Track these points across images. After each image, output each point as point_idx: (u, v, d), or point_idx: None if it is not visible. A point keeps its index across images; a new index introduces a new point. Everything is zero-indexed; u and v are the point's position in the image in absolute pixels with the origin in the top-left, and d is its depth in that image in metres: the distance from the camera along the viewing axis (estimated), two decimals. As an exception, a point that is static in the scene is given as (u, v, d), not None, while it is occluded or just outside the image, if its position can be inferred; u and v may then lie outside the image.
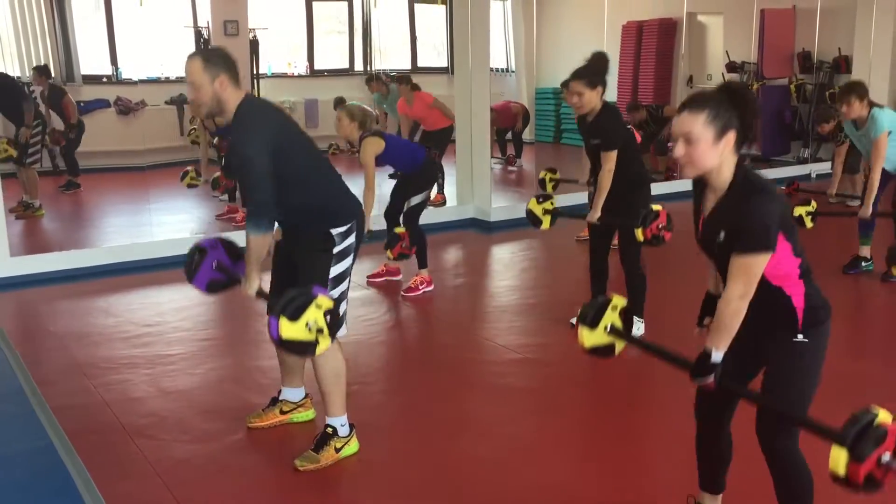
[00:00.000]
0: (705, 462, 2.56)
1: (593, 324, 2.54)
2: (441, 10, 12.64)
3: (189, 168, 7.77)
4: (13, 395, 3.68)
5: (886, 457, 1.89)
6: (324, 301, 2.74)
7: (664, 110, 9.28)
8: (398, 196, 5.41)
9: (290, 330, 2.68)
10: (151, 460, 3.18)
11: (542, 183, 6.93)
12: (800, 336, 2.27)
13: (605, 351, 2.56)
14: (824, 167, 9.36)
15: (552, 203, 4.92)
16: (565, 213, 4.97)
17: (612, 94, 12.01)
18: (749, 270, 2.16)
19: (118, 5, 10.88)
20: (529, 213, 4.95)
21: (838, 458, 1.88)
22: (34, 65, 10.17)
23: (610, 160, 4.32)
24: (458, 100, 7.55)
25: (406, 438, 3.42)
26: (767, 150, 10.78)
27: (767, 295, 2.25)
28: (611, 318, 2.57)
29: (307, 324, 2.70)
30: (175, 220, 7.28)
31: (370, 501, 2.97)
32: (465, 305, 5.35)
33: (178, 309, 5.17)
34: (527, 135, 11.51)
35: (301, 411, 3.52)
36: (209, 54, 2.98)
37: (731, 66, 11.00)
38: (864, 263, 5.64)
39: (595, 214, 4.41)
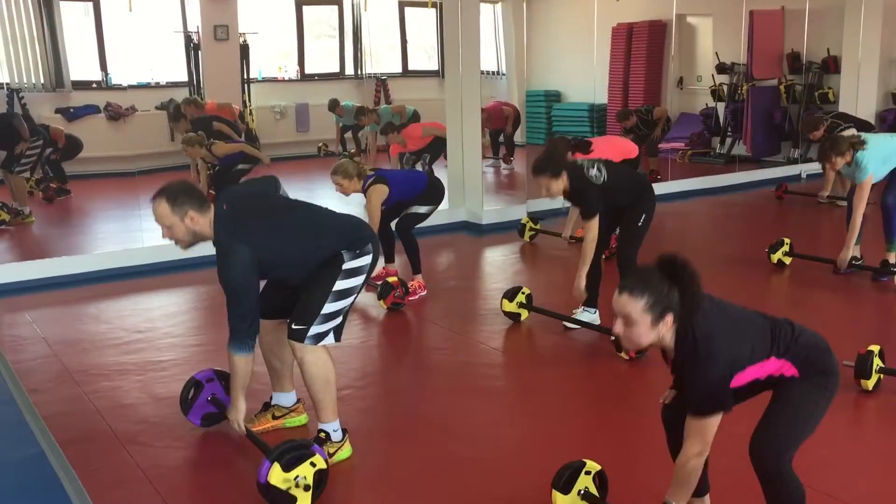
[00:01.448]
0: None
1: (566, 489, 2.60)
2: (431, 13, 12.65)
3: None
4: (3, 404, 3.65)
5: None
6: (319, 461, 2.82)
7: (654, 112, 9.31)
8: (399, 209, 5.43)
9: (279, 479, 2.74)
10: (143, 467, 3.16)
11: (520, 230, 6.95)
12: (817, 379, 2.33)
13: None
14: (815, 167, 9.38)
15: (524, 294, 4.86)
16: (540, 310, 4.82)
17: (602, 97, 12.11)
18: (704, 431, 2.23)
19: (107, 11, 10.84)
20: (504, 312, 4.89)
21: None
22: (23, 71, 10.15)
23: (591, 229, 4.37)
24: (448, 103, 7.55)
25: (398, 442, 3.41)
26: (757, 150, 10.83)
27: (777, 383, 2.33)
28: (585, 482, 2.64)
29: (296, 478, 2.77)
30: (164, 226, 7.24)
31: (363, 506, 2.96)
32: (458, 308, 5.35)
33: (169, 315, 5.15)
34: (518, 137, 11.53)
35: (293, 416, 3.51)
36: (172, 195, 2.93)
37: (721, 68, 11.05)
38: (855, 262, 5.65)
39: (581, 283, 4.44)
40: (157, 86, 11.05)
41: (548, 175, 4.29)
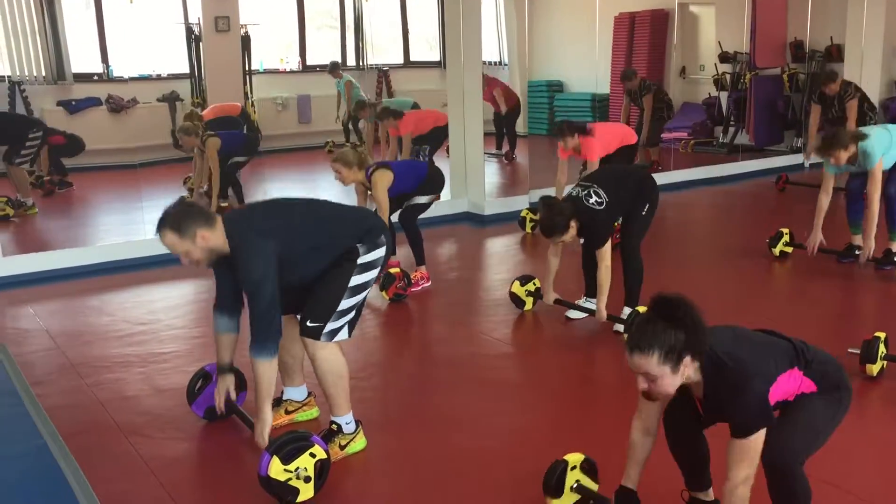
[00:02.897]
0: (682, 462, 2.56)
1: (557, 491, 2.62)
2: (433, 2, 12.61)
3: (191, 175, 7.84)
4: (6, 396, 3.66)
5: None
6: (318, 451, 2.81)
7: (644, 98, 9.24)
8: (400, 200, 5.41)
9: (279, 472, 2.74)
10: (146, 459, 3.17)
11: (521, 223, 6.99)
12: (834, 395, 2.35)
13: None
14: (817, 158, 9.35)
15: (535, 284, 4.87)
16: (565, 303, 4.78)
17: (605, 87, 12.07)
18: (751, 451, 2.18)
19: (108, 3, 10.82)
20: (512, 294, 4.91)
21: None
22: (25, 64, 10.14)
23: (604, 258, 4.35)
24: (450, 94, 7.53)
25: (401, 433, 3.41)
26: (760, 139, 10.79)
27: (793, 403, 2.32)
28: (574, 476, 2.66)
29: (296, 469, 2.77)
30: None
31: (367, 497, 2.96)
32: (461, 299, 5.35)
33: (172, 307, 5.15)
34: (520, 128, 11.49)
35: (306, 409, 3.50)
36: (175, 222, 2.86)
37: (724, 57, 11.00)
38: (857, 252, 5.63)
39: (602, 314, 4.42)
40: (159, 78, 11.04)
41: (559, 234, 4.27)
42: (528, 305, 4.87)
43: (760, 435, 2.18)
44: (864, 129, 5.41)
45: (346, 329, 3.12)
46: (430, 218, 6.62)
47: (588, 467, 2.70)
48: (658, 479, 2.62)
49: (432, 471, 3.09)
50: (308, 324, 3.04)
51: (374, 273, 3.13)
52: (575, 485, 2.66)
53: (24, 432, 3.30)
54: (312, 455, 2.80)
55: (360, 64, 12.38)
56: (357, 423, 3.22)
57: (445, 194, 7.84)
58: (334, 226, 3.13)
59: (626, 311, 4.48)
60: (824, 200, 5.36)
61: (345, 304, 3.05)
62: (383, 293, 5.09)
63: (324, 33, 12.82)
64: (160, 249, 6.01)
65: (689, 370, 2.20)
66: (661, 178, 7.99)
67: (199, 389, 3.44)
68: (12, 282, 5.59)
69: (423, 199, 5.41)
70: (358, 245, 3.07)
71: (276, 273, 2.89)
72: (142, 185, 7.82)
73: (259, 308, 2.88)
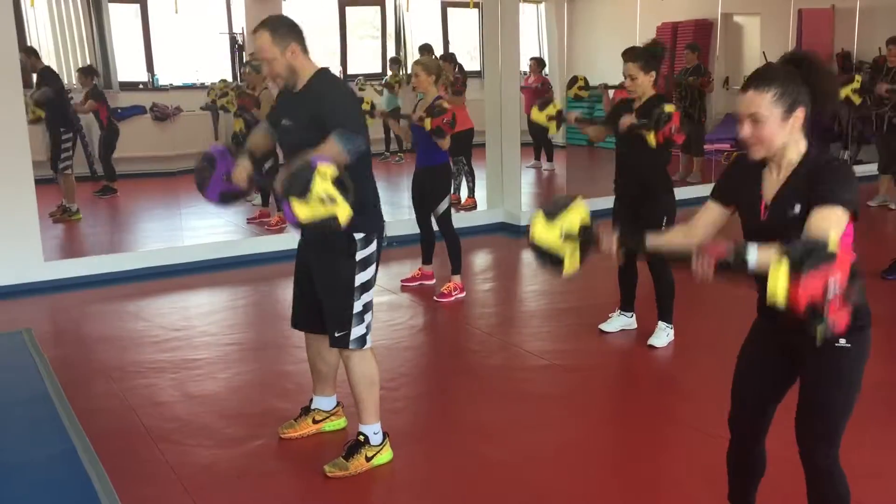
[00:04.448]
0: (736, 476, 2.46)
1: (550, 217, 2.18)
2: (474, 13, 12.60)
3: None
4: (39, 399, 3.71)
5: (833, 285, 1.67)
6: (326, 169, 2.59)
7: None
8: (421, 206, 5.41)
9: (305, 209, 2.57)
10: (173, 465, 3.18)
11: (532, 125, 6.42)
12: (842, 340, 2.10)
13: (551, 261, 2.19)
14: (865, 170, 9.14)
15: (555, 106, 4.69)
16: (585, 120, 4.61)
17: (646, 97, 11.94)
18: (837, 222, 1.95)
19: (154, 13, 11.03)
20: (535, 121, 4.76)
21: (778, 275, 1.67)
22: (73, 72, 10.36)
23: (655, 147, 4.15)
24: (488, 102, 7.51)
25: (430, 445, 3.39)
26: (806, 152, 10.56)
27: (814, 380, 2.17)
28: (570, 221, 2.18)
29: (320, 198, 2.57)
30: (205, 225, 7.33)
31: (390, 509, 2.94)
32: (494, 310, 5.31)
33: (206, 313, 5.20)
34: (559, 138, 11.42)
35: (333, 419, 3.49)
36: (276, 24, 2.91)
37: (769, 68, 10.81)
38: (904, 268, 5.48)
39: (627, 120, 4.18)
40: (203, 87, 11.19)
41: (640, 63, 4.11)
42: (553, 130, 4.77)
43: (846, 217, 1.97)
44: None
45: (369, 335, 3.11)
46: (466, 228, 6.61)
47: (586, 232, 2.21)
48: (689, 498, 2.56)
49: (458, 484, 3.06)
50: (336, 335, 3.05)
51: (373, 268, 3.10)
52: (565, 232, 2.17)
53: (54, 435, 3.34)
54: (323, 176, 2.58)
55: (401, 73, 12.42)
56: (384, 434, 3.20)
57: (481, 204, 7.84)
58: (367, 185, 3.06)
59: (661, 325, 4.39)
60: None
61: (358, 305, 3.04)
62: (427, 121, 4.97)
63: (365, 43, 12.91)
64: (198, 256, 6.16)
65: (797, 131, 2.08)
66: (701, 190, 7.89)
67: (206, 176, 3.20)
68: (54, 286, 5.68)
69: (443, 206, 5.36)
70: (356, 236, 2.97)
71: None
72: (181, 192, 7.91)
73: (345, 125, 2.83)
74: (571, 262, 2.18)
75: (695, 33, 11.46)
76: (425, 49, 11.02)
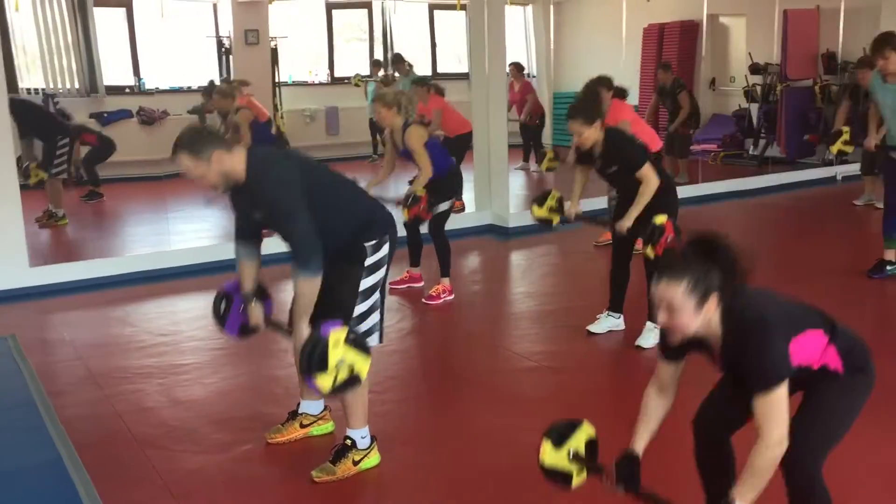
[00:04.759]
0: (706, 478, 2.48)
1: (558, 442, 2.41)
2: (461, 15, 12.62)
3: None
4: (23, 407, 3.68)
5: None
6: (337, 334, 2.71)
7: (679, 98, 9.22)
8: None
9: (328, 380, 2.69)
10: (160, 471, 3.16)
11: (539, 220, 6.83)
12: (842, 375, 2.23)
13: (561, 478, 2.39)
14: (850, 169, 9.20)
15: (554, 198, 4.72)
16: (587, 218, 4.74)
17: (634, 99, 11.94)
18: (778, 407, 2.08)
19: (140, 17, 11.00)
20: (538, 219, 4.81)
21: None
22: (58, 77, 10.31)
23: (648, 180, 4.19)
24: (475, 105, 7.51)
25: (418, 448, 3.38)
26: (792, 152, 10.63)
27: (817, 379, 2.23)
28: (577, 442, 2.43)
29: (337, 365, 2.69)
30: (193, 229, 7.31)
31: (378, 513, 2.94)
32: (482, 313, 5.31)
33: (194, 318, 5.17)
34: (546, 139, 11.46)
35: (321, 424, 3.48)
36: (190, 143, 2.87)
37: (754, 68, 10.87)
38: (889, 267, 5.49)
39: (627, 223, 4.28)
40: (189, 90, 11.18)
41: (580, 120, 4.14)
42: (556, 220, 4.71)
43: (784, 389, 2.08)
44: None
45: (376, 335, 3.14)
46: (454, 230, 6.59)
47: (592, 450, 2.48)
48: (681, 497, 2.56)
49: (447, 489, 3.05)
50: None
51: (382, 273, 3.13)
52: (572, 452, 2.42)
53: (39, 444, 3.30)
54: (336, 343, 2.68)
55: (388, 76, 12.41)
56: (372, 438, 3.19)
57: (469, 206, 7.84)
58: (350, 192, 3.13)
59: (649, 325, 4.40)
60: (874, 112, 5.01)
61: (360, 308, 3.05)
62: (404, 211, 5.00)
63: (352, 46, 12.91)
64: (185, 261, 6.14)
65: (712, 313, 2.13)
66: (689, 191, 7.93)
67: (225, 311, 3.31)
68: (40, 292, 5.64)
69: (444, 206, 5.36)
70: (365, 245, 3.05)
71: (305, 205, 2.88)
72: (168, 196, 7.89)
73: (298, 232, 2.90)
74: (580, 478, 2.40)
75: (681, 34, 11.53)
76: (398, 59, 11.12)
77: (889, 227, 5.46)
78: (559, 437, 2.40)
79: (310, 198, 2.95)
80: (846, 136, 5.64)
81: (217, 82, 10.87)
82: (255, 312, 3.21)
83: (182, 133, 2.91)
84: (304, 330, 2.97)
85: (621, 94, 6.02)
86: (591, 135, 4.20)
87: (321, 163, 3.29)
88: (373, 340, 3.11)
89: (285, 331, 3.18)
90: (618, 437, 3.44)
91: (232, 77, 10.94)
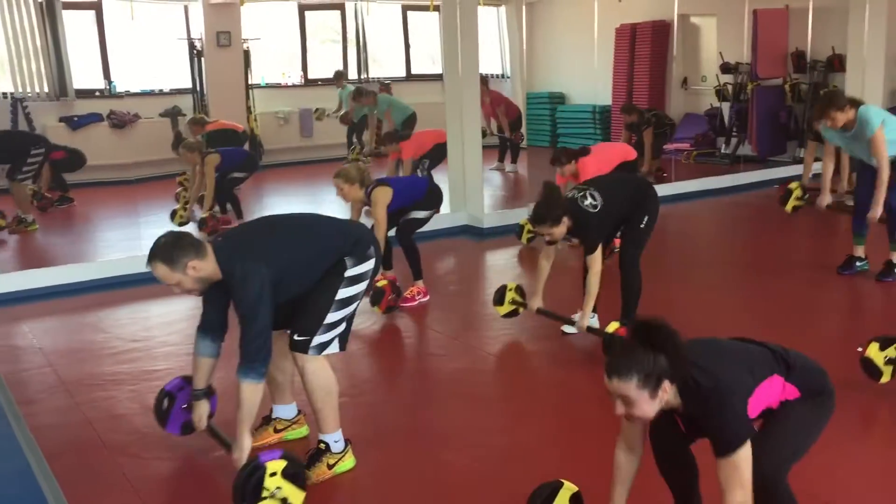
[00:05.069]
0: (675, 486, 2.51)
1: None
2: (434, 17, 12.62)
3: (177, 207, 7.77)
4: (-8, 416, 3.64)
5: None
6: (275, 465, 2.72)
7: (643, 133, 9.41)
8: (397, 216, 5.37)
9: None
10: (131, 479, 3.13)
11: (518, 233, 6.96)
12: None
13: None
14: (821, 167, 9.30)
15: (512, 290, 4.86)
16: (549, 314, 4.69)
17: (606, 98, 12.06)
18: (740, 468, 2.13)
19: (110, 19, 10.87)
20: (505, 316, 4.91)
21: None
22: (27, 80, 10.18)
23: (594, 263, 4.30)
24: (448, 106, 7.52)
25: (392, 452, 3.37)
26: (763, 150, 10.74)
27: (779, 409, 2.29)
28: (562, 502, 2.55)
29: (272, 494, 2.72)
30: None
31: (353, 517, 2.93)
32: (457, 314, 5.31)
33: (167, 323, 5.13)
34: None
35: (295, 428, 3.47)
36: (166, 254, 2.87)
37: (725, 67, 10.97)
38: (858, 263, 5.57)
39: (584, 323, 4.35)
40: (161, 93, 11.09)
41: (548, 224, 4.24)
42: (521, 309, 4.81)
43: (745, 451, 2.13)
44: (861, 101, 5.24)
45: (336, 342, 3.10)
46: (429, 231, 6.59)
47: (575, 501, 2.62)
48: (653, 485, 2.58)
49: (422, 490, 3.05)
50: (296, 337, 3.03)
51: (362, 286, 3.12)
52: None
53: (8, 453, 3.26)
54: (272, 474, 2.73)
55: (362, 77, 12.41)
56: (346, 441, 3.18)
57: (445, 207, 7.82)
58: (324, 240, 3.13)
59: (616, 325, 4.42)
60: (829, 164, 5.25)
61: (332, 317, 3.04)
62: (375, 308, 5.06)
63: (326, 47, 12.86)
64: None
65: (668, 395, 2.17)
66: (662, 190, 7.95)
67: (167, 409, 3.36)
68: (9, 299, 5.58)
69: (421, 214, 5.39)
70: (346, 258, 3.06)
71: (271, 296, 2.88)
72: (139, 200, 7.82)
73: (252, 331, 2.87)
74: None
75: (653, 34, 11.60)
76: (339, 75, 11.19)
77: (858, 225, 5.54)
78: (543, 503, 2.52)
79: (287, 264, 2.96)
80: (797, 193, 5.79)
81: (189, 84, 10.86)
82: (201, 411, 3.19)
83: (158, 241, 2.91)
84: (248, 441, 2.94)
85: (583, 153, 6.16)
86: (561, 230, 4.29)
87: (290, 217, 3.29)
88: (333, 348, 3.09)
89: (226, 443, 3.12)
90: (594, 438, 3.47)
91: (204, 80, 10.89)
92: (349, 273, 3.06)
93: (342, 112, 11.18)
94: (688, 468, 2.48)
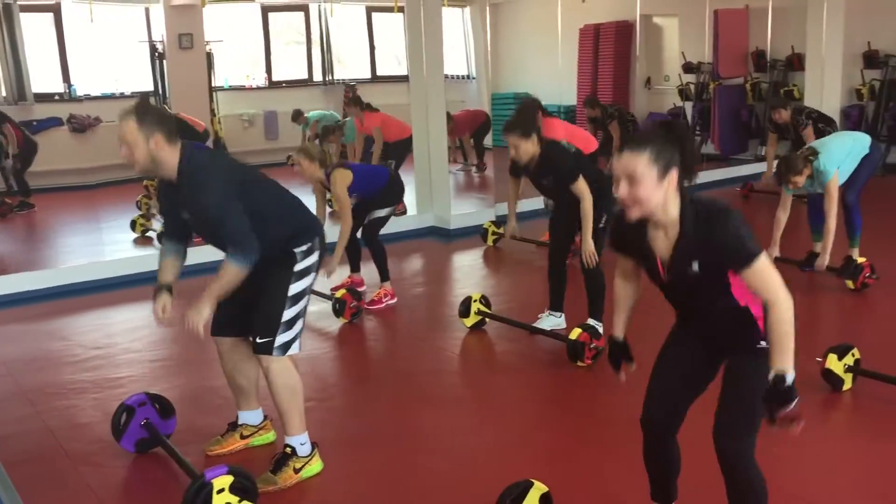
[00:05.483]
0: (654, 473, 2.52)
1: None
2: (399, 18, 12.57)
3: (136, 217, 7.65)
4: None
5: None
6: (221, 481, 2.68)
7: (609, 127, 9.41)
8: (361, 213, 5.34)
9: None
10: (94, 488, 3.08)
11: (483, 235, 6.96)
12: (763, 343, 2.22)
13: None
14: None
15: (476, 301, 4.79)
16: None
17: (571, 98, 12.12)
18: (770, 273, 2.13)
19: (69, 22, 10.69)
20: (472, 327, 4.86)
21: None
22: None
23: (584, 195, 4.25)
24: (414, 108, 7.51)
25: (360, 455, 3.35)
26: (725, 148, 10.87)
27: (734, 314, 2.25)
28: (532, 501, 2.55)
29: None
30: (127, 239, 7.15)
31: (321, 522, 2.90)
32: (424, 315, 5.30)
33: (129, 330, 5.06)
34: (486, 140, 11.48)
35: (262, 433, 3.43)
36: (143, 114, 2.83)
37: (688, 67, 11.09)
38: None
39: (588, 247, 4.31)
40: (122, 96, 10.91)
41: (518, 134, 4.18)
42: (487, 320, 4.81)
43: (764, 257, 2.13)
44: (817, 144, 5.43)
45: (297, 344, 3.08)
46: (396, 233, 6.59)
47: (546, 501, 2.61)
48: (625, 486, 2.59)
49: (392, 493, 3.03)
50: (258, 340, 3.01)
51: (310, 279, 3.10)
52: None
53: (-34, 465, 3.19)
54: (220, 490, 2.67)
55: (327, 79, 12.34)
56: (313, 445, 3.16)
57: (411, 209, 7.82)
58: (288, 208, 3.11)
59: (591, 322, 4.43)
60: (782, 216, 5.41)
61: (288, 314, 3.02)
62: (340, 318, 5.02)
63: (291, 49, 12.77)
64: (120, 271, 5.99)
65: (671, 192, 2.15)
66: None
67: (124, 424, 3.31)
68: (-34, 307, 5.47)
69: (382, 213, 5.36)
70: (295, 250, 3.03)
71: (237, 205, 2.84)
72: (100, 205, 7.70)
73: (228, 227, 2.86)
74: None
75: (616, 34, 11.69)
76: (297, 114, 11.01)
77: (814, 223, 5.65)
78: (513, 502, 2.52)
79: (246, 203, 2.90)
80: None
81: (151, 87, 10.70)
82: (163, 301, 3.09)
83: (146, 101, 2.87)
84: (208, 310, 2.92)
85: (547, 114, 6.17)
86: (529, 148, 4.24)
87: (256, 168, 3.25)
88: (295, 349, 3.07)
89: (179, 458, 3.09)
90: (564, 436, 3.47)
91: (167, 83, 10.74)
92: (298, 267, 3.03)
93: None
94: (671, 464, 2.49)
